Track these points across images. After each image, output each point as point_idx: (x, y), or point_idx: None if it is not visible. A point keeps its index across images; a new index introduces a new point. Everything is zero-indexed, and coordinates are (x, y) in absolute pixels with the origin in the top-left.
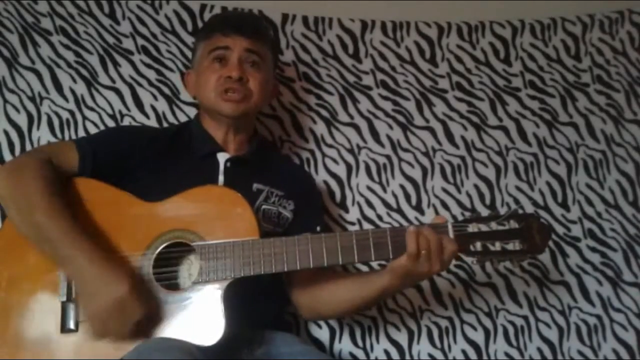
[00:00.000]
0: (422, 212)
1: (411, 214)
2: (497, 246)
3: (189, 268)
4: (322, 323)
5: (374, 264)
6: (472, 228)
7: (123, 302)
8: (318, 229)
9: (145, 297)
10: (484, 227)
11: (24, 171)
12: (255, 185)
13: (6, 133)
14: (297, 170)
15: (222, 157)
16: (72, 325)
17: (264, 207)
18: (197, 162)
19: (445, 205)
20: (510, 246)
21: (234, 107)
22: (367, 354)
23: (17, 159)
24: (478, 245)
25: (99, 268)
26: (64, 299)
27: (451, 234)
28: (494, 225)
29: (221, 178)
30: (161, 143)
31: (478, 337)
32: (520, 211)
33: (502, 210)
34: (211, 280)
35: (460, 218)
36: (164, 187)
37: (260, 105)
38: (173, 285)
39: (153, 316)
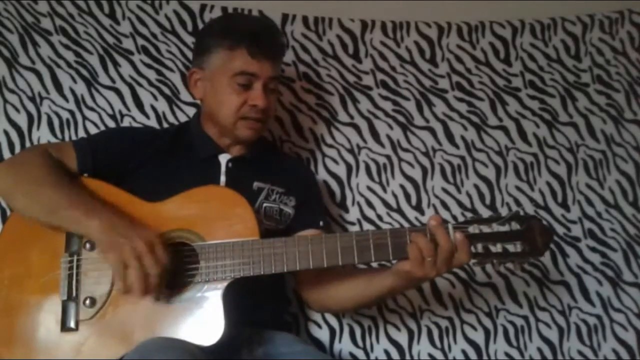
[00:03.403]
0: (422, 212)
1: (411, 214)
2: (499, 247)
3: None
4: (322, 323)
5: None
6: (473, 229)
7: (153, 243)
8: (321, 223)
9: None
10: (485, 229)
11: (26, 162)
12: (256, 184)
13: (6, 133)
14: (297, 166)
15: (223, 158)
16: (72, 324)
17: (265, 204)
18: (198, 163)
19: (445, 205)
20: (511, 248)
21: (253, 134)
22: (367, 354)
23: (18, 155)
24: (479, 247)
25: (124, 219)
26: (65, 297)
27: (452, 236)
28: (495, 227)
29: (223, 178)
30: (162, 143)
31: (478, 337)
32: (522, 213)
33: (502, 211)
34: (211, 280)
35: (460, 218)
36: (165, 188)
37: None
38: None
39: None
